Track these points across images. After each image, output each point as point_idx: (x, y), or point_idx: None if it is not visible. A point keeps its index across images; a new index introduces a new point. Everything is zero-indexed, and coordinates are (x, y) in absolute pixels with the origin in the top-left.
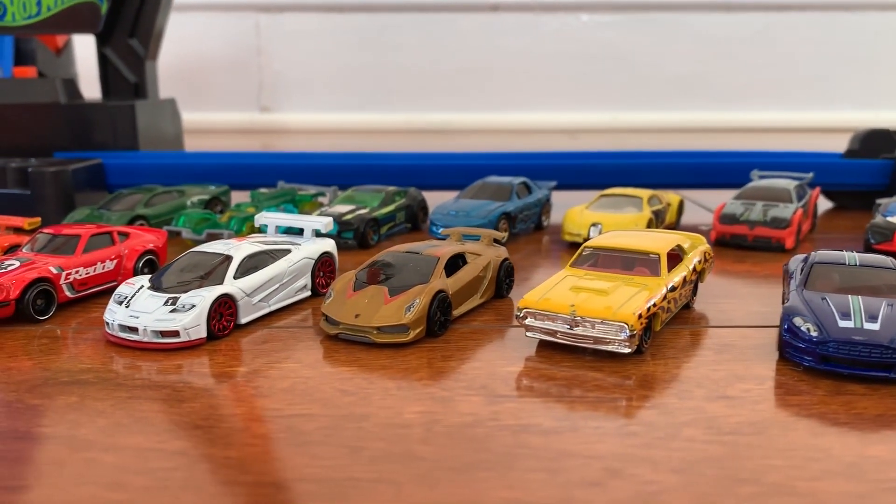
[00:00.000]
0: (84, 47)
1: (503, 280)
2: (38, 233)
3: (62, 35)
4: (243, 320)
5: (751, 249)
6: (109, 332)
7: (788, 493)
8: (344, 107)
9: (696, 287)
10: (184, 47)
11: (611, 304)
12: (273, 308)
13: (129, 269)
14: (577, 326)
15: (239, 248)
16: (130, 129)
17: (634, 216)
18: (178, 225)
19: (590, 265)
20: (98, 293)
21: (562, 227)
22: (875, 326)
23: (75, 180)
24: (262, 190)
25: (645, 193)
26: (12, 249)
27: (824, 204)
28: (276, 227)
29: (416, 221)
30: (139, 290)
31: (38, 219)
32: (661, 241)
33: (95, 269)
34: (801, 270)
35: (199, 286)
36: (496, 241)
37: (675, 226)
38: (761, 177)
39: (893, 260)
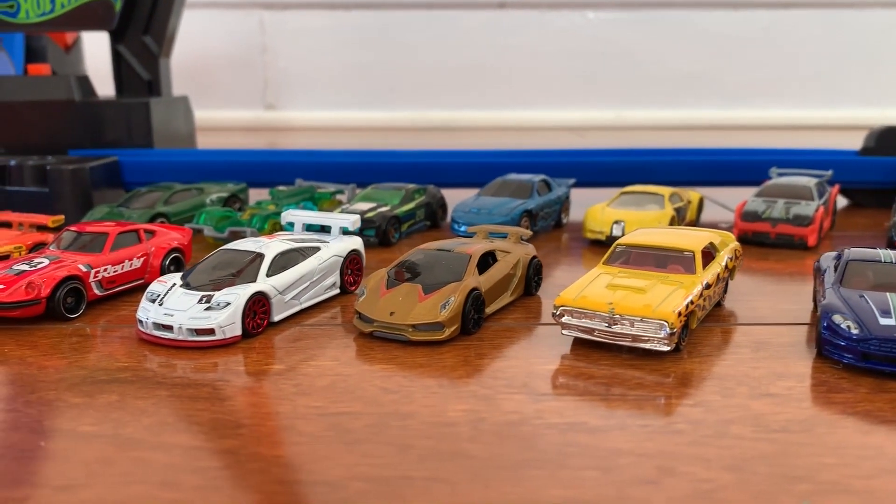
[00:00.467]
0: (92, 44)
1: (532, 278)
2: (64, 230)
3: (71, 32)
4: (276, 318)
5: (772, 247)
6: (143, 330)
7: (844, 490)
8: (349, 104)
9: (726, 285)
10: (188, 45)
11: (649, 302)
12: (304, 306)
13: (156, 267)
14: (616, 324)
15: (270, 246)
16: (145, 127)
17: (657, 213)
18: (199, 222)
19: (621, 262)
20: (125, 291)
21: (583, 225)
22: None
23: (93, 178)
24: (281, 188)
25: (666, 191)
26: (37, 247)
27: (839, 201)
28: (303, 224)
29: (435, 219)
30: (172, 287)
31: (62, 216)
32: (694, 239)
33: (123, 266)
34: (835, 268)
35: (232, 284)
36: (523, 238)
37: (695, 223)
38: (780, 174)
39: None
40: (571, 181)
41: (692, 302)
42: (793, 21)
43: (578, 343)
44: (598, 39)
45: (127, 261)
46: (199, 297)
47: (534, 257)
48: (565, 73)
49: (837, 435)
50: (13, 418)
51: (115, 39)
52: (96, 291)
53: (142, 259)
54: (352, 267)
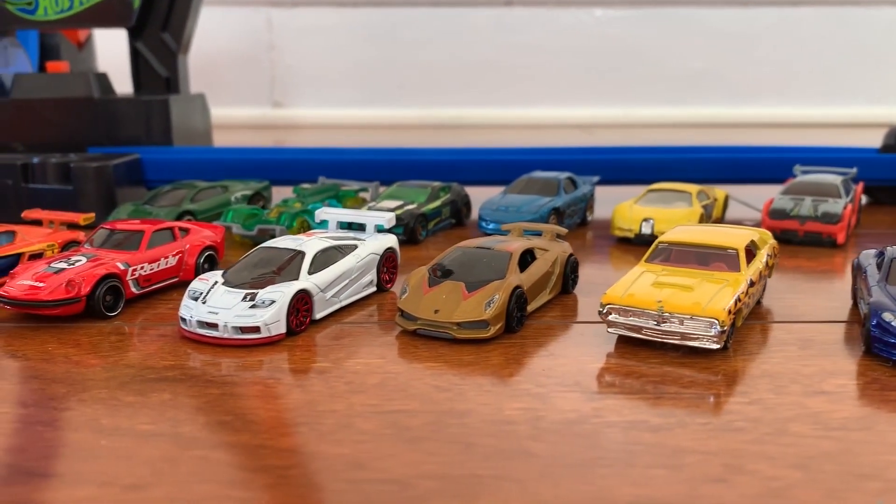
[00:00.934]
0: (105, 42)
1: (569, 276)
2: (98, 228)
3: (84, 30)
4: (318, 316)
5: (800, 244)
6: (186, 328)
7: None
8: (356, 102)
9: (765, 283)
10: (195, 42)
11: (699, 300)
12: (343, 304)
13: (191, 266)
14: (665, 322)
15: (310, 244)
16: (164, 124)
17: (686, 211)
18: (226, 220)
19: (662, 260)
20: (159, 290)
21: (611, 223)
22: None
23: (116, 176)
24: (305, 185)
25: (693, 188)
26: (69, 245)
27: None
28: (337, 222)
29: (459, 217)
30: (214, 285)
31: (93, 214)
32: (737, 236)
33: (159, 264)
34: (878, 266)
35: (273, 282)
36: (559, 236)
37: (720, 221)
38: (803, 172)
39: None
40: (595, 178)
41: (739, 299)
42: (801, 18)
43: (622, 341)
44: (605, 37)
45: (163, 258)
46: (242, 295)
47: (571, 255)
48: (572, 70)
49: None
50: (70, 417)
51: (134, 36)
52: (133, 289)
53: (177, 257)
54: (387, 265)
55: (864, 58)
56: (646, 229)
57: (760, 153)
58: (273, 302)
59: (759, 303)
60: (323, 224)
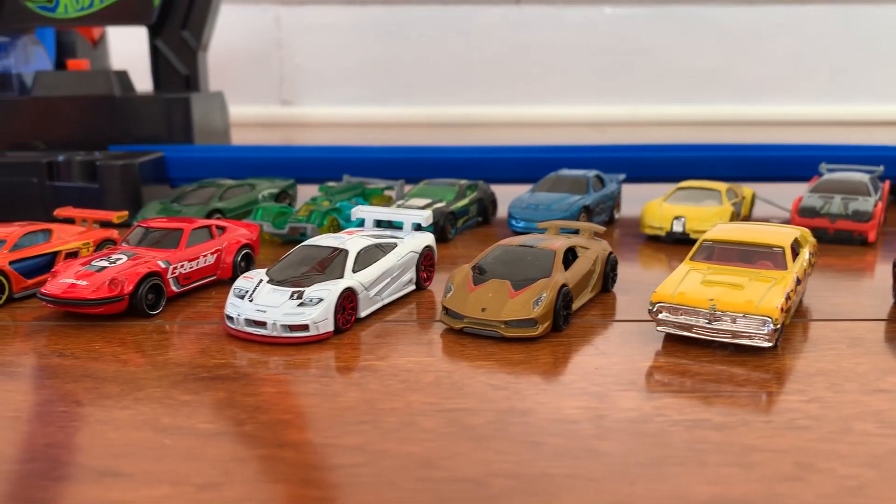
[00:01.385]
0: (117, 40)
1: (609, 274)
2: (136, 227)
3: (98, 27)
4: (362, 314)
5: (830, 243)
6: (233, 326)
7: None
8: (365, 100)
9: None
10: None
11: (751, 298)
12: (385, 301)
13: (228, 264)
14: (717, 321)
15: (352, 242)
16: (185, 122)
17: (717, 209)
18: (256, 219)
19: (706, 258)
20: (197, 288)
21: (641, 221)
22: None
23: (142, 173)
24: (331, 184)
25: (722, 186)
26: (104, 243)
27: None
28: (374, 220)
29: (486, 215)
30: (259, 284)
31: (126, 212)
32: (781, 235)
33: (198, 262)
34: None
35: (319, 280)
36: (597, 234)
37: (748, 219)
38: (829, 170)
39: None
40: (621, 176)
41: (788, 297)
42: (809, 16)
43: (670, 339)
44: (614, 35)
45: (202, 257)
46: (289, 293)
47: (610, 253)
48: (581, 68)
49: None
50: (130, 416)
51: (154, 34)
52: (173, 288)
53: (215, 255)
54: (425, 263)
55: (875, 55)
56: (677, 227)
57: (785, 151)
58: (321, 300)
59: (799, 301)
60: (356, 223)
